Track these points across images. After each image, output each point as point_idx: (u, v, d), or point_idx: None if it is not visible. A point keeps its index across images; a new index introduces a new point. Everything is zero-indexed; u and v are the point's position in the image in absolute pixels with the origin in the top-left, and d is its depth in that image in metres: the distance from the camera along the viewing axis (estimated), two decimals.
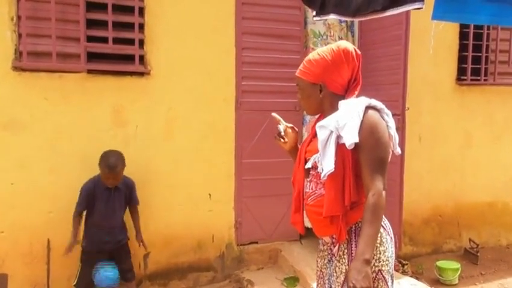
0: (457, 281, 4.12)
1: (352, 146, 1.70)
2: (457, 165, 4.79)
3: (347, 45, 1.88)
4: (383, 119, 1.79)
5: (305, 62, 1.90)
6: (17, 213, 3.38)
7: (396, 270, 4.00)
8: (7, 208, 3.36)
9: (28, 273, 3.43)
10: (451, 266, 4.13)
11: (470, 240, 4.73)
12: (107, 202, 3.31)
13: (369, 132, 1.71)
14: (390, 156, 1.79)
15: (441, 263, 4.18)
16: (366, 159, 1.71)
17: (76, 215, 3.30)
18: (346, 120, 1.72)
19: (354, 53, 1.86)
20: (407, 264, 4.23)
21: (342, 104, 1.80)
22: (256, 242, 4.15)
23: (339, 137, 1.73)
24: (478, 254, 4.58)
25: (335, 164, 1.71)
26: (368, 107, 1.76)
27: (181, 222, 3.82)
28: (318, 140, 1.79)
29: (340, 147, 1.74)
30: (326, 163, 1.73)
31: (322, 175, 1.75)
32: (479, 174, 4.90)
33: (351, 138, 1.68)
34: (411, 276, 3.99)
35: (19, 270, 3.40)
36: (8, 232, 3.38)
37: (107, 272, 3.26)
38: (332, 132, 1.74)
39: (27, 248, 3.42)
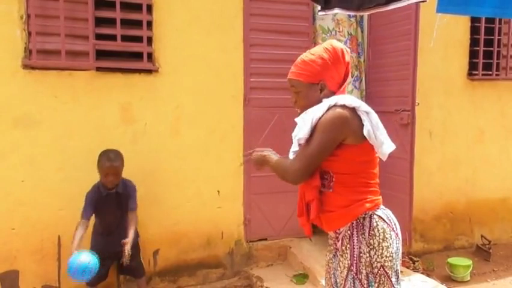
0: (468, 278, 4.08)
1: (302, 141, 1.84)
2: (468, 161, 4.74)
3: (339, 43, 1.94)
4: (360, 118, 1.80)
5: (299, 64, 1.92)
6: (28, 210, 3.41)
7: (407, 267, 3.97)
8: (18, 205, 3.39)
9: (39, 269, 3.46)
10: (462, 263, 4.09)
11: (482, 236, 4.69)
12: (110, 208, 3.27)
13: (318, 127, 1.80)
14: (325, 155, 1.81)
15: (452, 260, 4.14)
16: (304, 145, 1.84)
17: (82, 222, 3.19)
18: (307, 118, 1.83)
19: (345, 51, 1.91)
20: (418, 261, 4.20)
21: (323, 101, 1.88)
22: (266, 239, 4.15)
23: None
24: (490, 251, 4.53)
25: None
26: (332, 106, 1.80)
27: (189, 219, 3.83)
28: (293, 133, 1.93)
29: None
30: (289, 155, 1.93)
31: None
32: (491, 170, 4.84)
33: (299, 136, 1.83)
34: (422, 273, 3.96)
35: (30, 267, 3.44)
36: (19, 229, 3.40)
37: (81, 262, 2.85)
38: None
39: (38, 244, 3.45)
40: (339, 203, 1.84)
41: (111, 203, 3.27)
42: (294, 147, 1.90)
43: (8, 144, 3.35)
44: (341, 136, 1.77)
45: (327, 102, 1.82)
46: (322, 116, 1.80)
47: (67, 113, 3.48)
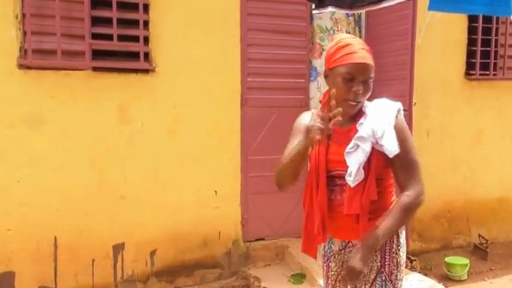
0: (465, 277, 4.08)
1: (394, 153, 1.69)
2: (466, 161, 4.74)
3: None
4: None
5: (368, 50, 1.80)
6: (25, 210, 3.39)
7: (405, 267, 3.97)
8: (15, 206, 3.37)
9: (35, 270, 3.44)
10: (459, 262, 4.09)
11: (479, 235, 4.69)
12: None
13: (402, 137, 1.73)
14: None
15: (449, 259, 4.14)
16: (402, 163, 1.73)
17: None
18: (383, 128, 1.70)
19: None
20: (415, 260, 4.19)
21: (371, 106, 1.78)
22: (263, 239, 4.14)
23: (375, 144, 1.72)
24: (488, 250, 4.54)
25: (364, 172, 1.72)
26: (398, 111, 1.77)
27: (187, 219, 3.82)
28: (362, 151, 1.71)
29: (373, 153, 1.72)
30: (359, 173, 1.71)
31: (352, 184, 1.72)
32: (489, 169, 4.84)
33: (393, 149, 1.68)
34: (419, 272, 3.96)
35: (26, 268, 3.41)
36: (16, 230, 3.38)
37: None
38: (372, 143, 1.71)
39: (34, 245, 3.43)
40: (382, 207, 1.77)
41: None
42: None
43: (6, 145, 3.33)
44: None
45: (393, 108, 1.76)
46: (396, 124, 1.73)
47: (64, 113, 3.46)
